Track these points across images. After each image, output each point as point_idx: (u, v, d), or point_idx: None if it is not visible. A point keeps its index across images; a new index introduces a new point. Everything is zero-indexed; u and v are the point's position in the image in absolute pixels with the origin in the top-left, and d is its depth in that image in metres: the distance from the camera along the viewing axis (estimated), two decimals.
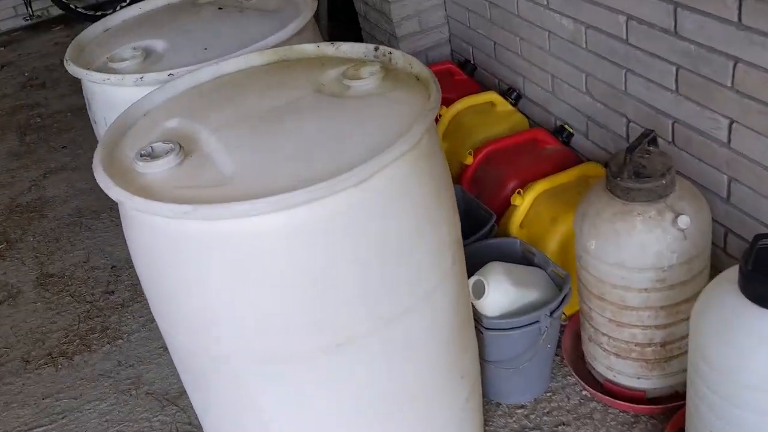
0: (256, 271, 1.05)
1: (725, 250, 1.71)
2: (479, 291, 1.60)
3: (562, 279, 1.69)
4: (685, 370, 1.69)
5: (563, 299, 1.63)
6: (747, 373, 1.21)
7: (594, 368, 1.77)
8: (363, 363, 1.17)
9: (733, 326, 1.23)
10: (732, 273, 1.29)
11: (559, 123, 2.21)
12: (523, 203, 1.86)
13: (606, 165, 1.53)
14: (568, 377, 1.82)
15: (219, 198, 1.03)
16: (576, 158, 2.13)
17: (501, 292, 1.58)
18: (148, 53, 1.68)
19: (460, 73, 2.63)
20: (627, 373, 1.69)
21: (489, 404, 1.78)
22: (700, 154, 1.65)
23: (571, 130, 2.14)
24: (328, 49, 1.47)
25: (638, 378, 1.69)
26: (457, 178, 2.13)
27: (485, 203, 2.04)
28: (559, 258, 1.83)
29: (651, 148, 1.53)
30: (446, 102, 2.48)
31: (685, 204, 1.49)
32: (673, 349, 1.63)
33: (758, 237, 1.21)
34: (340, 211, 1.05)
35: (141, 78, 1.51)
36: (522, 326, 1.59)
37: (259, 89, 1.38)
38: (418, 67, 1.32)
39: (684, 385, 1.72)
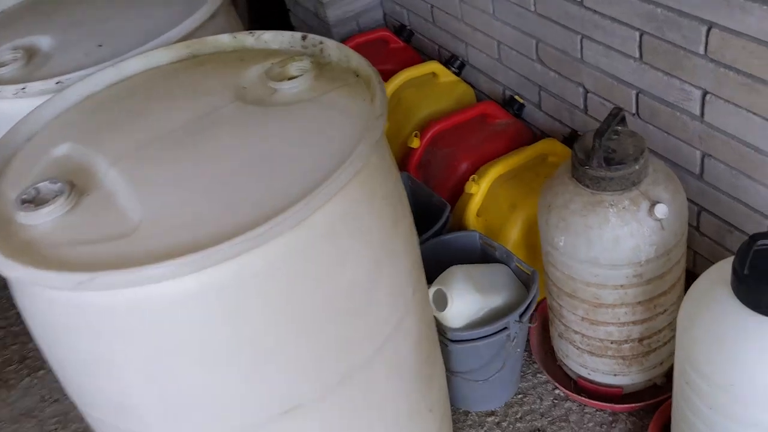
0: (176, 343, 0.85)
1: (698, 229, 1.58)
2: (441, 301, 1.43)
3: (529, 276, 1.54)
4: (662, 363, 1.58)
5: (531, 300, 1.48)
6: (748, 389, 1.09)
7: (566, 365, 1.65)
8: (317, 423, 0.99)
9: (730, 337, 1.09)
10: (721, 272, 1.15)
11: (508, 93, 2.03)
12: (478, 191, 1.69)
13: (571, 148, 1.37)
14: (539, 375, 1.69)
15: (123, 257, 0.83)
16: (530, 132, 1.96)
17: (465, 301, 1.42)
18: (31, 54, 1.40)
19: (396, 41, 2.41)
20: (603, 371, 1.57)
21: (457, 413, 1.64)
22: (669, 128, 1.51)
23: (522, 102, 1.96)
24: (247, 39, 1.24)
25: (615, 375, 1.56)
26: (403, 164, 1.94)
27: (436, 190, 1.87)
28: (522, 247, 1.68)
29: (620, 128, 1.38)
30: (384, 75, 2.26)
31: (661, 189, 1.34)
32: (651, 343, 1.50)
33: (755, 237, 1.07)
34: (276, 261, 0.85)
35: (23, 89, 1.26)
36: (490, 335, 1.44)
37: (168, 98, 1.15)
38: (357, 61, 1.11)
39: (663, 376, 1.62)
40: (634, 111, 1.57)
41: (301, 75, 1.11)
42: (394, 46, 2.40)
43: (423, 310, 1.14)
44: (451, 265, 1.61)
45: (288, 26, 3.08)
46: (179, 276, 0.80)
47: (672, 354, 1.57)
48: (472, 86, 2.18)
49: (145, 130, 1.06)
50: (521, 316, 1.45)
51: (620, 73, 1.56)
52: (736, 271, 1.07)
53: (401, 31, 2.43)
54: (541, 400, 1.65)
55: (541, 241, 1.48)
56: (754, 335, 1.08)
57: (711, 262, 1.60)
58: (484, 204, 1.72)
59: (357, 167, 0.89)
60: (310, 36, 1.19)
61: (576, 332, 1.53)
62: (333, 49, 1.16)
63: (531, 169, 1.73)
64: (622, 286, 1.39)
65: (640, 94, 1.54)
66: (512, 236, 1.67)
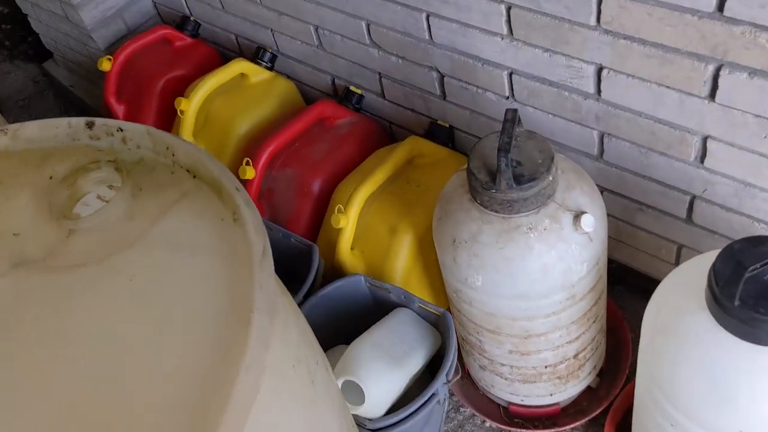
0: None
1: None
2: (354, 393, 1.13)
3: (439, 317, 1.28)
4: (596, 366, 1.42)
5: (454, 353, 1.22)
6: (740, 422, 0.91)
7: (492, 394, 1.43)
8: None
9: (719, 370, 0.91)
10: (691, 283, 0.95)
11: (341, 84, 1.71)
12: (348, 223, 1.38)
13: (467, 169, 1.10)
14: (462, 410, 1.47)
15: None
16: (379, 126, 1.67)
17: (383, 386, 1.13)
18: None
19: (181, 37, 1.98)
20: (537, 394, 1.37)
21: None
22: (555, 109, 1.28)
23: (360, 92, 1.65)
24: (1, 140, 0.82)
25: (551, 395, 1.37)
26: None
27: (289, 225, 1.54)
28: (416, 273, 1.41)
29: (517, 129, 1.12)
30: (181, 83, 1.85)
31: (578, 193, 1.12)
32: (586, 354, 1.32)
33: (736, 251, 0.87)
34: None
35: None
36: (420, 409, 1.17)
37: None
38: (183, 148, 0.75)
39: (596, 378, 1.46)
40: (507, 94, 1.33)
41: (110, 202, 0.73)
42: (181, 44, 1.97)
43: None
44: (339, 322, 1.31)
45: (29, 31, 2.50)
46: None
47: (602, 355, 1.41)
48: (291, 79, 1.84)
49: None
50: (448, 374, 1.20)
51: (484, 53, 1.30)
52: (718, 300, 0.88)
53: (184, 24, 1.99)
54: None
55: (445, 276, 1.22)
56: (748, 370, 0.90)
57: (619, 242, 1.44)
58: (356, 234, 1.42)
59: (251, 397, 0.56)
60: (99, 121, 0.79)
61: (504, 365, 1.31)
62: (139, 135, 0.77)
63: (399, 179, 1.45)
64: (554, 312, 1.17)
65: (513, 75, 1.29)
66: (400, 265, 1.39)
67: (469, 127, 1.48)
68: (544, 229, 1.09)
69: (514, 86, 1.31)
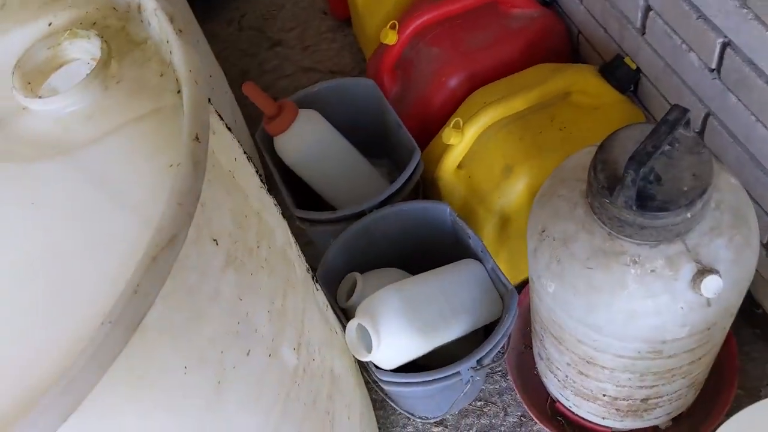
0: None
1: None
2: (366, 335, 1.00)
3: (505, 292, 1.09)
4: (670, 413, 1.18)
5: (498, 340, 1.05)
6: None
7: (545, 385, 1.25)
8: None
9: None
10: None
11: None
12: (461, 142, 1.17)
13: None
14: (508, 378, 1.31)
15: None
16: (563, 31, 1.36)
17: (397, 348, 0.99)
18: None
19: None
20: (588, 411, 1.18)
21: (395, 414, 1.29)
22: (765, 115, 0.95)
23: None
24: None
25: (603, 418, 1.18)
26: (373, 62, 1.39)
27: (413, 107, 1.35)
28: (507, 231, 1.20)
29: (681, 132, 0.83)
30: None
31: (721, 245, 0.84)
32: (658, 402, 1.09)
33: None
34: None
35: None
36: (433, 381, 1.03)
37: None
38: (185, 60, 0.59)
39: (669, 422, 1.23)
40: (713, 66, 1.00)
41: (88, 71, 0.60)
42: None
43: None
44: (407, 242, 1.17)
45: None
46: None
47: (687, 404, 1.17)
48: None
49: None
50: (480, 361, 1.04)
51: (705, 5, 0.96)
52: None
53: None
54: (506, 413, 1.29)
55: (528, 264, 1.01)
56: None
57: None
58: (469, 154, 1.21)
59: None
60: None
61: (559, 369, 1.12)
62: (151, 12, 0.62)
63: (543, 112, 1.19)
64: (628, 357, 0.95)
65: (728, 48, 0.95)
66: (497, 213, 1.18)
67: (658, 82, 1.16)
68: (652, 271, 0.84)
69: (724, 62, 0.97)
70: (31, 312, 0.50)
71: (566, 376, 1.11)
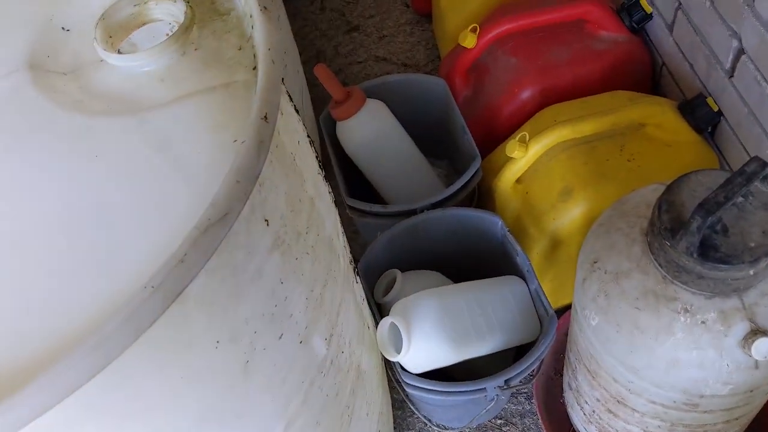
0: None
1: None
2: (396, 337, 1.00)
3: (545, 316, 1.07)
4: None
5: (528, 365, 1.03)
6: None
7: (569, 416, 1.23)
8: None
9: None
10: None
11: None
12: (524, 157, 1.15)
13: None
14: (533, 401, 1.28)
15: None
16: (647, 60, 1.33)
17: (426, 355, 0.98)
18: None
19: None
20: None
21: (412, 418, 1.28)
22: None
23: (650, 10, 1.30)
24: None
25: None
26: (449, 66, 1.37)
27: (480, 113, 1.33)
28: (556, 256, 1.17)
29: (757, 185, 0.80)
30: None
31: None
32: None
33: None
34: None
35: None
36: (457, 394, 1.02)
37: None
38: (265, 39, 0.59)
39: None
40: None
41: (169, 33, 0.61)
42: None
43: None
44: (451, 247, 1.16)
45: None
46: None
47: None
48: None
49: None
50: (508, 381, 1.02)
51: None
52: None
53: None
54: None
55: (574, 294, 0.98)
56: None
57: None
58: (530, 170, 1.19)
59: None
60: None
61: (587, 403, 1.09)
62: None
63: (613, 140, 1.16)
64: (661, 404, 0.92)
65: None
66: (552, 229, 1.16)
67: (738, 128, 1.12)
68: (702, 322, 0.81)
69: None
70: (74, 264, 0.50)
71: (593, 411, 1.09)
